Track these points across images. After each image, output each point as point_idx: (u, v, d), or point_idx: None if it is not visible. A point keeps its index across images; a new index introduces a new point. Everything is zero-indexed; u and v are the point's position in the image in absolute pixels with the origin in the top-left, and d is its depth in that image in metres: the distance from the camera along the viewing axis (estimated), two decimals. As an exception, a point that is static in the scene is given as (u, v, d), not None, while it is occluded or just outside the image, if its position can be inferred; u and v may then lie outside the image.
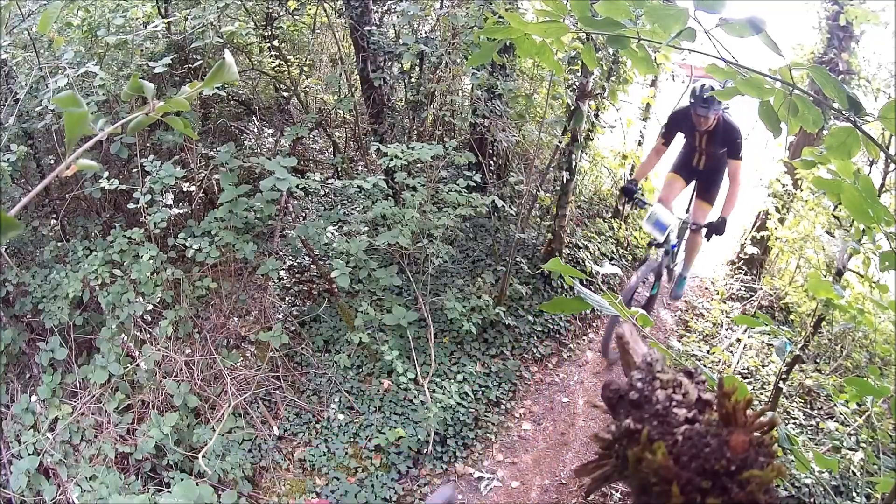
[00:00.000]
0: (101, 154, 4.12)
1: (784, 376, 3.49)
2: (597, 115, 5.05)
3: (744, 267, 5.80)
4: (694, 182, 4.35)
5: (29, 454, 3.61)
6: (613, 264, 5.43)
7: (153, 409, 3.65)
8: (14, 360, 4.10)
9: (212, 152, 4.39)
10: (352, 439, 3.82)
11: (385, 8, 5.08)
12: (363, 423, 3.86)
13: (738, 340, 4.85)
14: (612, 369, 4.50)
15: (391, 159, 3.87)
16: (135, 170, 3.99)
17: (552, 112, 5.07)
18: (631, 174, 5.96)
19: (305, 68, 5.45)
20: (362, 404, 3.98)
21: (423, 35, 4.75)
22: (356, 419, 3.91)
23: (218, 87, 3.77)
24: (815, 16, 5.09)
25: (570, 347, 4.80)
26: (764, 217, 5.48)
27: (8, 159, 3.59)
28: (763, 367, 4.51)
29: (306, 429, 3.92)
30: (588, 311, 4.97)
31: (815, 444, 3.69)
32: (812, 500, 3.35)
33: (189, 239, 3.83)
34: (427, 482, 3.68)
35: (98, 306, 3.88)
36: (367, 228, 4.58)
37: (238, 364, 4.00)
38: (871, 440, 3.27)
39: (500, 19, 3.60)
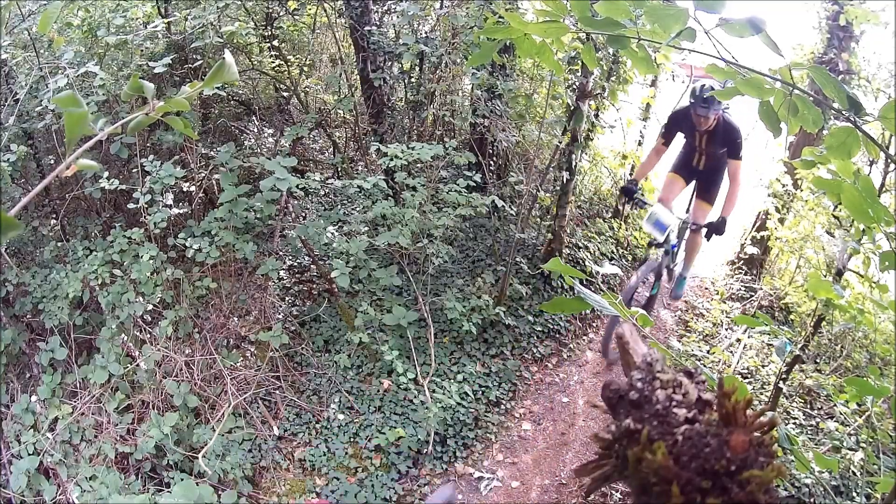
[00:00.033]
0: (101, 154, 4.12)
1: (784, 376, 3.49)
2: (597, 115, 5.05)
3: (744, 267, 5.80)
4: (694, 182, 4.34)
5: (29, 454, 3.61)
6: (613, 264, 5.43)
7: (153, 409, 3.65)
8: (14, 360, 4.10)
9: (212, 152, 4.39)
10: (352, 439, 3.82)
11: (385, 8, 5.08)
12: (363, 423, 3.86)
13: (738, 340, 4.85)
14: (612, 369, 4.50)
15: (391, 159, 3.87)
16: (135, 170, 3.99)
17: (552, 112, 5.07)
18: (631, 174, 5.96)
19: (305, 68, 5.45)
20: (362, 404, 3.98)
21: (423, 35, 4.75)
22: (356, 419, 3.91)
23: (218, 87, 3.77)
24: (815, 16, 5.09)
25: (570, 347, 4.80)
26: (764, 217, 5.48)
27: (8, 159, 3.59)
28: (763, 367, 4.51)
29: (306, 429, 3.92)
30: (588, 311, 4.97)
31: (815, 444, 3.69)
32: (812, 500, 3.35)
33: (189, 239, 3.83)
34: (427, 482, 3.68)
35: (98, 306, 3.88)
36: (367, 228, 4.58)
37: (238, 364, 4.00)
38: (871, 440, 3.27)
39: (500, 19, 3.60)
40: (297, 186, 3.77)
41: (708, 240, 4.05)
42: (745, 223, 5.93)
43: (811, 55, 5.10)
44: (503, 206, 4.51)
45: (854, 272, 3.54)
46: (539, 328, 4.71)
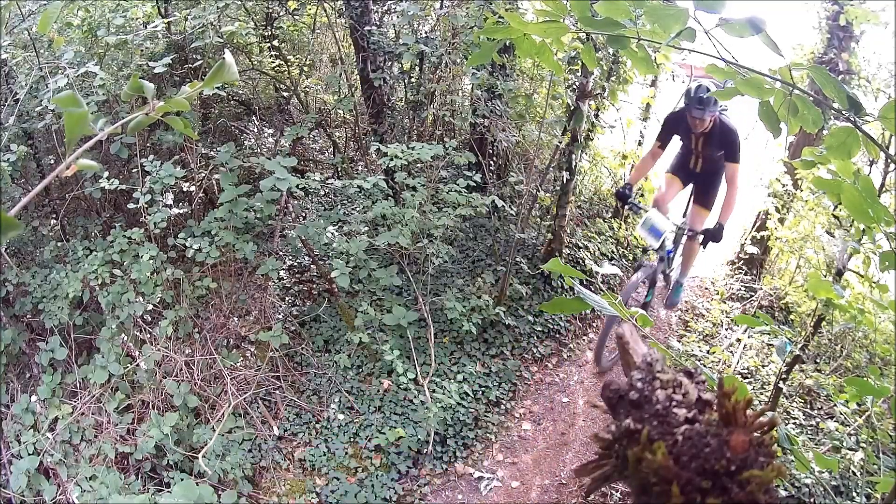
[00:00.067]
0: (101, 154, 4.12)
1: (784, 376, 3.49)
2: (597, 115, 5.05)
3: (744, 267, 5.80)
4: (691, 185, 4.24)
5: (29, 454, 3.61)
6: (613, 264, 5.44)
7: (153, 409, 3.65)
8: (14, 360, 4.10)
9: (212, 152, 4.39)
10: (352, 439, 3.83)
11: (385, 8, 5.08)
12: (363, 423, 3.86)
13: (738, 340, 4.85)
14: (604, 377, 4.44)
15: (391, 159, 3.87)
16: (135, 170, 3.99)
17: (552, 112, 5.07)
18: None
19: (305, 68, 5.45)
20: (362, 404, 3.98)
21: (423, 35, 4.75)
22: (356, 419, 3.91)
23: (218, 87, 3.77)
24: (815, 16, 5.09)
25: (570, 347, 4.80)
26: (764, 217, 5.48)
27: (8, 159, 3.59)
28: (763, 367, 4.51)
29: (306, 429, 3.92)
30: (588, 311, 4.97)
31: (815, 444, 3.69)
32: (812, 500, 3.35)
33: (189, 239, 3.83)
34: (427, 482, 3.68)
35: (98, 306, 3.88)
36: (367, 228, 4.58)
37: (238, 364, 4.01)
38: (871, 440, 3.27)
39: (500, 19, 3.60)
40: (297, 186, 3.77)
41: (704, 247, 3.95)
42: (745, 223, 5.93)
43: (811, 55, 5.11)
44: (503, 206, 4.51)
45: (854, 272, 3.54)
46: (539, 328, 4.71)
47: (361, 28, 4.60)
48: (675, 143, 4.12)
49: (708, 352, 4.73)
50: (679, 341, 4.82)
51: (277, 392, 4.08)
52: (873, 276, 3.30)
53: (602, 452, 0.62)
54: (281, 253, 4.95)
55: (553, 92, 4.59)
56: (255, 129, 5.84)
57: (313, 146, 6.65)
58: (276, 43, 4.80)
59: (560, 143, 4.66)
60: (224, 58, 0.80)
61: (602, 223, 5.87)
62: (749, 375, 4.45)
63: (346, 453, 3.75)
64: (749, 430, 0.52)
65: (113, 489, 3.34)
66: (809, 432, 3.87)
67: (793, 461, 2.78)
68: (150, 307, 3.85)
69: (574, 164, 4.63)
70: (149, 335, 3.86)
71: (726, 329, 5.11)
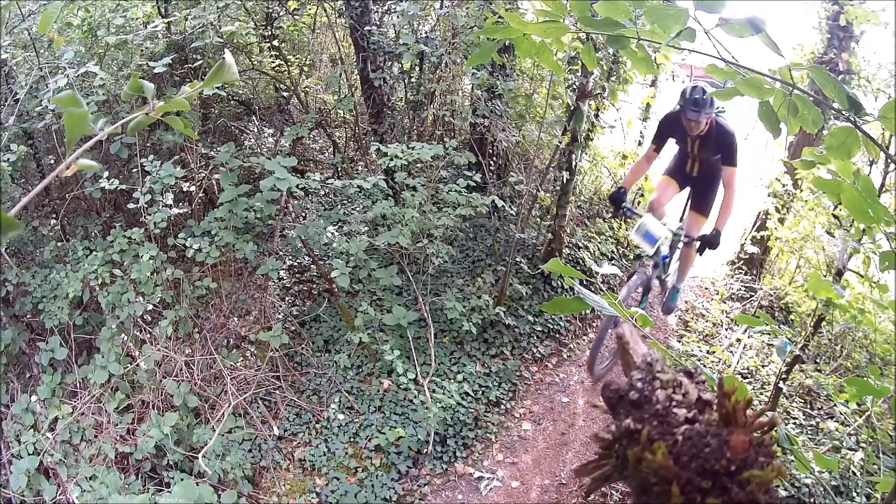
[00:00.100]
0: (101, 154, 4.12)
1: (784, 376, 3.49)
2: (597, 115, 5.05)
3: (744, 267, 5.80)
4: (688, 190, 4.15)
5: (29, 454, 3.61)
6: (613, 264, 5.44)
7: (153, 409, 3.65)
8: (14, 360, 4.10)
9: (212, 152, 4.39)
10: (352, 439, 3.83)
11: (385, 8, 5.08)
12: (363, 423, 3.86)
13: (738, 340, 4.85)
14: (598, 384, 4.40)
15: (391, 159, 3.87)
16: (135, 170, 3.99)
17: (552, 112, 5.07)
18: None
19: (305, 68, 5.45)
20: (362, 404, 3.98)
21: (423, 35, 4.75)
22: (356, 419, 3.91)
23: (218, 87, 3.77)
24: (815, 16, 5.09)
25: (570, 347, 4.80)
26: (764, 217, 5.48)
27: (8, 159, 3.59)
28: (763, 367, 4.51)
29: (306, 429, 3.92)
30: (588, 311, 4.97)
31: (815, 444, 3.69)
32: (812, 500, 3.35)
33: (189, 239, 3.83)
34: (427, 482, 3.68)
35: (98, 306, 3.88)
36: (367, 228, 4.58)
37: (238, 364, 4.01)
38: (871, 440, 3.26)
39: (500, 19, 3.60)
40: (297, 186, 3.77)
41: (700, 254, 3.84)
42: (745, 223, 5.93)
43: (811, 55, 5.11)
44: (503, 206, 4.51)
45: (854, 272, 3.54)
46: (539, 328, 4.71)
47: (361, 28, 4.60)
48: (672, 146, 4.04)
49: (708, 352, 4.73)
50: (679, 341, 4.82)
51: (277, 392, 4.08)
52: (873, 276, 3.30)
53: (602, 452, 0.62)
54: (281, 253, 4.95)
55: (553, 92, 4.59)
56: (255, 129, 5.84)
57: (313, 146, 6.65)
58: (276, 43, 4.80)
59: (560, 143, 4.66)
60: (224, 58, 0.80)
61: (602, 223, 5.88)
62: (749, 375, 4.45)
63: (346, 453, 3.75)
64: (749, 430, 0.52)
65: (113, 489, 3.34)
66: (809, 432, 3.87)
67: (793, 461, 2.78)
68: (150, 307, 3.85)
69: (574, 164, 4.63)
70: (149, 335, 3.86)
71: (726, 329, 5.11)
